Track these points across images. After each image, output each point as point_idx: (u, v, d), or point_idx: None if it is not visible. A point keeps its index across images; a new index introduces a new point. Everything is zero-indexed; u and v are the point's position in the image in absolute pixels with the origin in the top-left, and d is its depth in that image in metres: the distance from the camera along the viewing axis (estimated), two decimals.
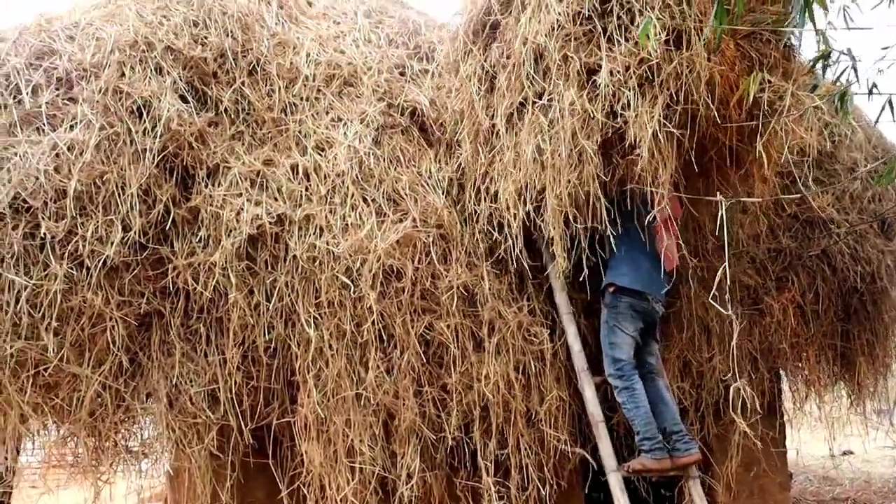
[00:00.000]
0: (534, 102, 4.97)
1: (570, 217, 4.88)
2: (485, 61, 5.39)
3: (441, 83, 5.90)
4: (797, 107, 4.40)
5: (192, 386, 4.88)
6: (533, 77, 4.99)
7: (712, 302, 4.58)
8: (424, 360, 5.02)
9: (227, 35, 5.50)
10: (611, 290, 5.21)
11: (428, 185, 5.36)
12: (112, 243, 4.68)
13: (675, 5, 4.57)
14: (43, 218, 4.60)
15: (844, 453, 11.67)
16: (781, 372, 7.06)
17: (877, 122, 4.54)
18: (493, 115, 5.27)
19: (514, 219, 5.13)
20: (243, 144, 5.28)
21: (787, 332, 6.35)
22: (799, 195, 6.22)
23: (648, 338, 5.37)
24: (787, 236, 6.51)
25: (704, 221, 5.61)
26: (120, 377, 4.80)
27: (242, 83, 5.43)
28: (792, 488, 8.25)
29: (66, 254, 4.61)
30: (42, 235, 4.58)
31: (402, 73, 5.87)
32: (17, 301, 4.48)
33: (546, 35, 4.89)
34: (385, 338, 4.96)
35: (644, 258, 5.20)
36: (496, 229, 5.34)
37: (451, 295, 5.09)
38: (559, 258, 4.98)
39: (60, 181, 4.67)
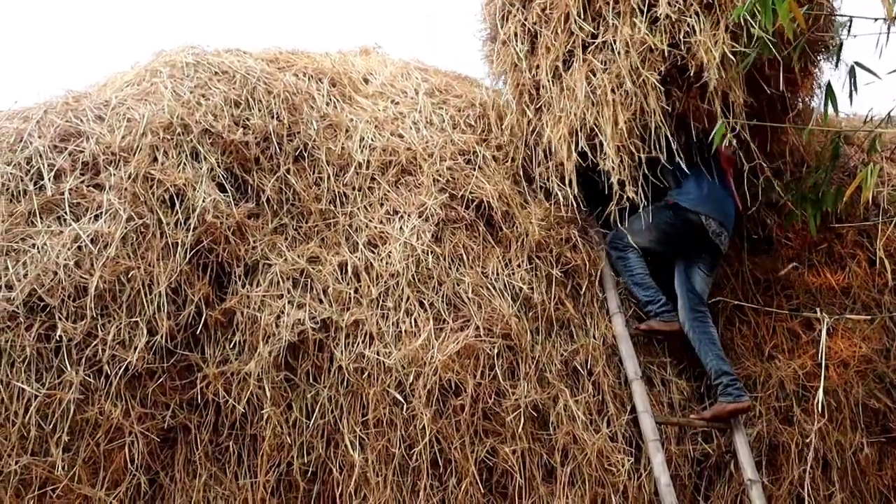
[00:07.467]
0: (585, 48, 5.58)
1: (633, 149, 5.40)
2: (525, 20, 5.83)
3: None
4: None
5: None
6: (582, 23, 5.57)
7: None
8: (485, 491, 4.85)
9: (272, 117, 5.48)
10: (669, 201, 5.66)
11: (494, 288, 5.23)
12: (135, 348, 4.58)
13: None
14: (60, 318, 4.50)
15: None
16: None
17: None
18: (536, 73, 5.82)
19: (569, 159, 5.59)
20: (286, 239, 5.20)
21: None
22: None
23: (702, 269, 5.73)
24: None
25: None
26: (138, 500, 4.65)
27: (287, 170, 5.38)
28: None
29: (84, 359, 4.49)
30: (58, 338, 4.48)
31: (468, 161, 5.77)
32: (26, 411, 4.36)
33: None
34: (440, 463, 4.79)
35: (710, 186, 5.66)
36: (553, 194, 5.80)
37: (517, 415, 4.91)
38: (620, 190, 5.44)
39: (81, 277, 4.59)
